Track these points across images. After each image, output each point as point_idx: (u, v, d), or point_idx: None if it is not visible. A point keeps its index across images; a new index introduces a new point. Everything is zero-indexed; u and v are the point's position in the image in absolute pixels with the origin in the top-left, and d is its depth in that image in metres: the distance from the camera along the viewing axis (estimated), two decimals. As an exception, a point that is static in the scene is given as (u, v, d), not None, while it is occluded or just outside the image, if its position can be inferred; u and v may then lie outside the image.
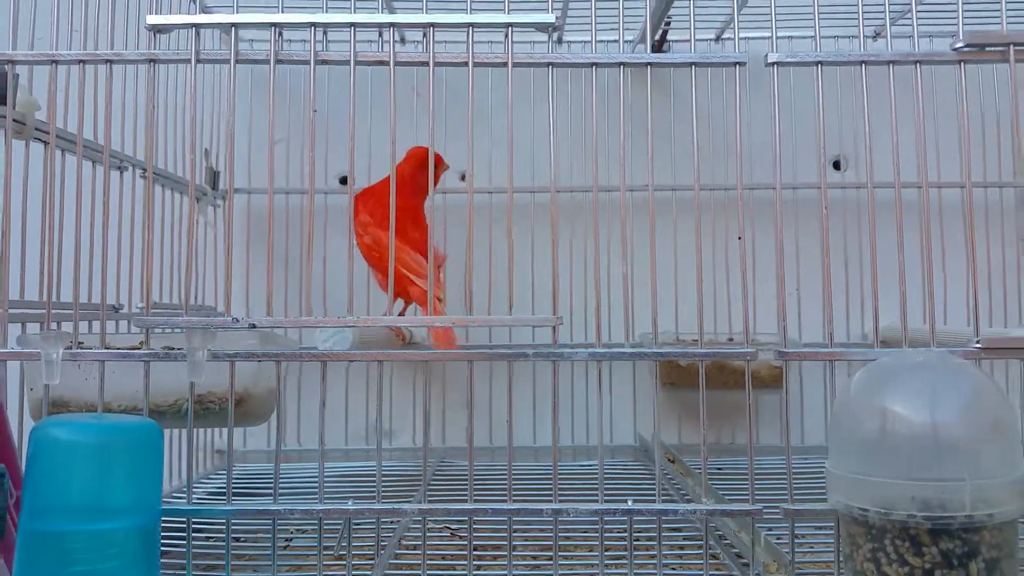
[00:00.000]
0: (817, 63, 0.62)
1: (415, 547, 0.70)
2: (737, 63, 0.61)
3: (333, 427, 1.06)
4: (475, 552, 0.62)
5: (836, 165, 1.14)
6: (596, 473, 0.91)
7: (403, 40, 1.09)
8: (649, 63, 0.61)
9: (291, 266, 1.06)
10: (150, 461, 0.51)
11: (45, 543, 0.48)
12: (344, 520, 0.59)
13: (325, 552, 0.60)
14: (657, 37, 1.09)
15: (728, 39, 1.12)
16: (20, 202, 0.66)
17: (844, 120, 1.06)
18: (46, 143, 0.69)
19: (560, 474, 0.93)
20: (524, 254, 1.04)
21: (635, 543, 0.71)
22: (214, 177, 1.08)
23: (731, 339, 1.06)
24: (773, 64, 0.61)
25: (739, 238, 0.59)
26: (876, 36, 1.11)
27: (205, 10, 1.04)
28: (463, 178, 1.12)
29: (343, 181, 1.12)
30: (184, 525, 0.58)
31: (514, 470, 0.95)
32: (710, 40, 1.14)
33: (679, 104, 1.04)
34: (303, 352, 0.58)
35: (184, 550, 0.58)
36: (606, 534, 0.62)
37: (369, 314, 1.03)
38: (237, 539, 0.72)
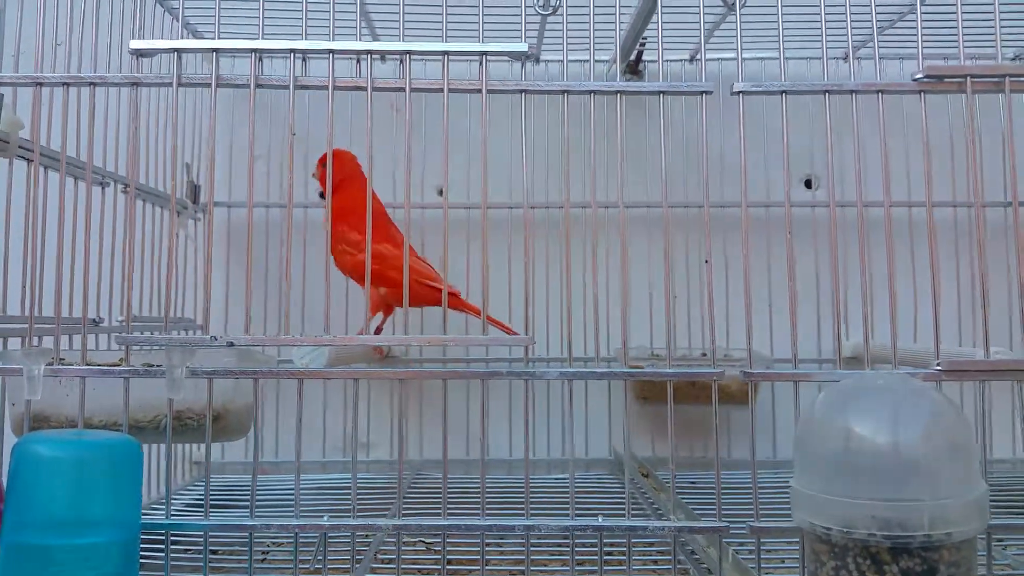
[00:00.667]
0: (782, 92, 0.64)
1: (390, 561, 0.71)
2: (703, 92, 0.63)
3: (311, 439, 1.07)
4: (449, 567, 0.63)
5: (808, 184, 1.17)
6: (567, 487, 0.93)
7: (383, 58, 1.11)
8: (620, 91, 0.63)
9: (271, 279, 1.07)
10: (130, 476, 0.52)
11: (28, 556, 0.49)
12: (320, 534, 0.60)
13: (301, 566, 0.61)
14: (632, 57, 1.12)
15: (698, 59, 1.14)
16: (2, 218, 0.67)
17: (816, 139, 1.08)
18: (29, 160, 0.71)
19: (534, 488, 0.95)
20: (501, 269, 1.05)
21: (608, 557, 0.73)
22: (195, 191, 1.09)
23: (704, 354, 1.08)
24: (739, 92, 0.63)
25: (706, 262, 0.61)
26: (845, 58, 1.14)
27: (189, 30, 1.05)
28: (440, 193, 1.13)
29: (323, 195, 1.13)
30: (163, 538, 0.59)
31: (489, 484, 0.97)
32: (684, 60, 1.16)
33: (653, 124, 1.07)
34: (280, 369, 0.60)
35: (162, 562, 0.59)
36: (578, 549, 0.64)
37: (347, 330, 1.05)
38: (215, 552, 0.73)
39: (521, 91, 0.63)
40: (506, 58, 0.61)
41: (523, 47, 0.60)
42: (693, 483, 1.03)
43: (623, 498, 0.90)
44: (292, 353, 0.65)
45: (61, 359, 0.60)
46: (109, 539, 0.50)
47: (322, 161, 0.93)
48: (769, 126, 1.05)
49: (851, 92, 0.63)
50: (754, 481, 0.61)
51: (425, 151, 1.10)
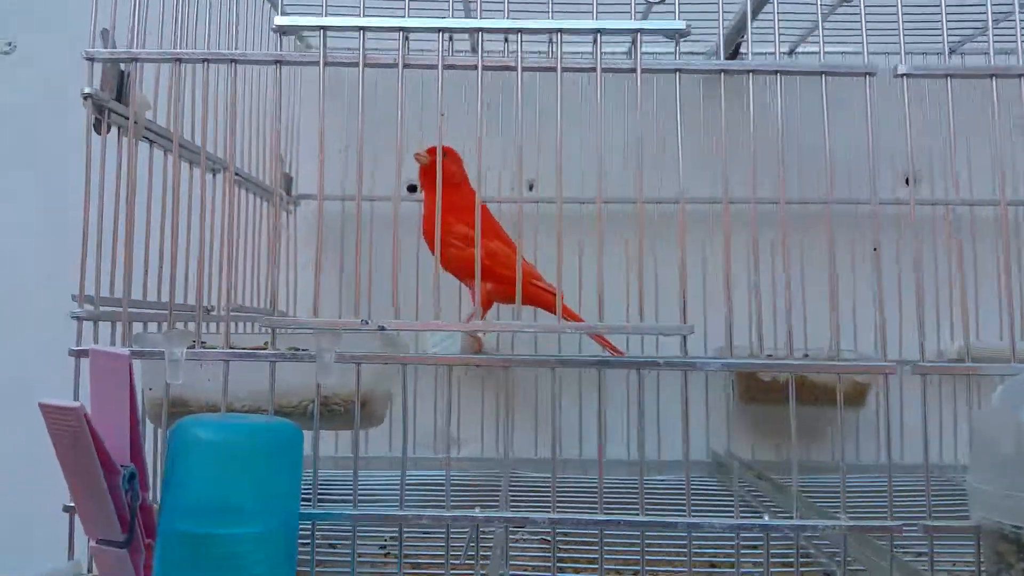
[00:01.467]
0: (947, 75, 0.61)
1: (514, 556, 0.69)
2: (867, 73, 0.61)
3: (398, 434, 1.05)
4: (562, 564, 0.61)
5: (908, 181, 1.13)
6: (671, 488, 0.91)
7: (474, 50, 1.09)
8: (777, 71, 0.61)
9: (362, 272, 1.06)
10: (292, 464, 0.51)
11: (189, 544, 0.47)
12: (471, 527, 0.58)
13: (443, 559, 0.59)
14: (731, 51, 1.09)
15: (803, 53, 1.11)
16: (124, 200, 0.66)
17: (920, 134, 1.06)
18: (152, 143, 0.69)
19: (629, 488, 0.93)
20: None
21: (713, 560, 0.70)
22: (288, 183, 1.08)
23: (806, 355, 1.05)
24: (902, 75, 0.61)
25: (874, 250, 0.58)
26: (951, 53, 1.10)
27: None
28: (531, 188, 1.11)
29: (411, 189, 1.11)
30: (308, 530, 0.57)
31: (586, 483, 0.95)
32: (784, 54, 1.13)
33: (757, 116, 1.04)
34: (424, 355, 0.58)
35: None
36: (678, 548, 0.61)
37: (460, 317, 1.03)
38: (332, 545, 0.71)
39: (677, 70, 0.60)
40: (660, 37, 0.59)
41: (680, 24, 0.58)
42: (803, 487, 0.99)
43: (727, 500, 0.87)
44: (428, 340, 0.63)
45: (202, 343, 0.58)
46: (271, 528, 0.48)
47: (430, 151, 0.92)
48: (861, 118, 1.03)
49: (1019, 76, 0.60)
50: (927, 479, 0.58)
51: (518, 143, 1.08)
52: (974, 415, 0.54)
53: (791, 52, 1.12)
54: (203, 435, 0.48)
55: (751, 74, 0.60)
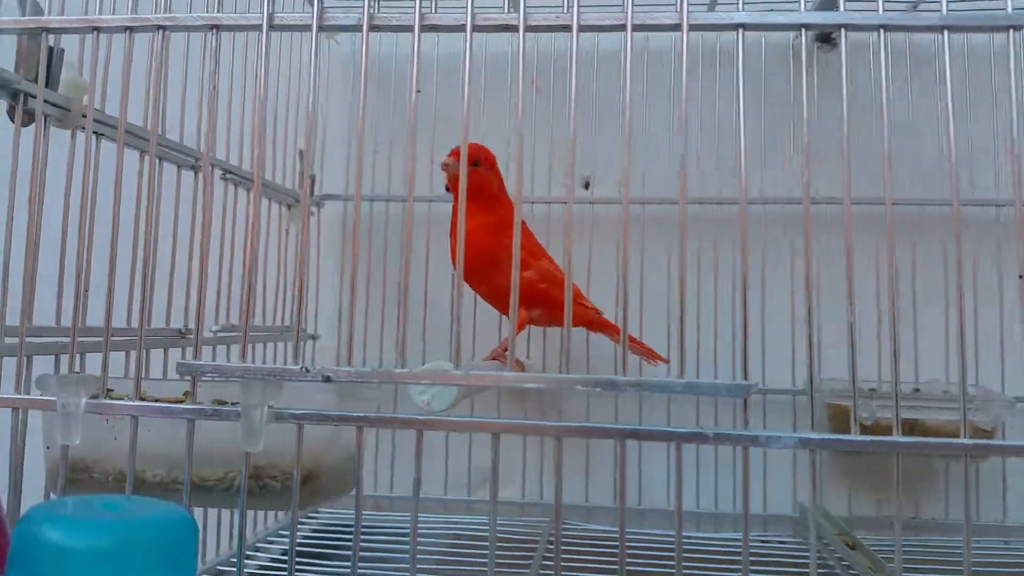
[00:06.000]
0: None
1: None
2: (1011, 26, 0.43)
3: (431, 472, 0.92)
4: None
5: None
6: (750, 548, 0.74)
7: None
8: (881, 25, 0.44)
9: (390, 285, 0.92)
10: (178, 567, 0.37)
11: None
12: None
13: None
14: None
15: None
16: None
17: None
18: (101, 135, 0.57)
19: (700, 547, 0.77)
20: (658, 277, 0.87)
21: None
22: (311, 183, 0.95)
23: (917, 390, 0.86)
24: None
25: (1021, 276, 0.41)
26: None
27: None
28: (587, 186, 0.95)
29: (448, 189, 0.97)
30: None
31: (641, 539, 0.79)
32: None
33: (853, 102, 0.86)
34: (391, 417, 0.43)
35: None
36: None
37: (475, 352, 0.88)
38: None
39: (737, 26, 0.44)
40: None
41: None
42: (908, 552, 0.81)
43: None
44: (410, 390, 0.48)
45: (110, 391, 0.45)
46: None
47: (455, 154, 0.75)
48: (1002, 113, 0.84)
49: None
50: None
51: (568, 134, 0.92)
52: None
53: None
54: (51, 536, 0.35)
55: (843, 30, 0.43)
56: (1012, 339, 0.85)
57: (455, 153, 0.75)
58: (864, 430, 0.82)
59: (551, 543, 0.77)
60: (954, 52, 0.46)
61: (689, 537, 0.81)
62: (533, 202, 0.93)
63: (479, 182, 0.75)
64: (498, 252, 0.73)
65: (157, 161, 0.64)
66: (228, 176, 0.76)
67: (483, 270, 0.74)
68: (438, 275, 0.90)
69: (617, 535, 0.76)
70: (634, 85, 0.92)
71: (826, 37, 0.94)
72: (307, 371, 0.41)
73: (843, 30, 0.44)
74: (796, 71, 0.92)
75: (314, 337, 0.93)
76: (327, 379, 0.41)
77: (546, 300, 0.77)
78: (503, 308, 0.80)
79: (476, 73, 0.91)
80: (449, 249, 0.79)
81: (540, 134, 0.91)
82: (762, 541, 0.83)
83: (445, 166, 0.75)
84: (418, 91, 0.46)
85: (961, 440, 0.40)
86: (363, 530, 0.45)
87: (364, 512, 0.86)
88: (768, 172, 0.90)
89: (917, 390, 0.86)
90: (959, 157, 0.44)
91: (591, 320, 0.81)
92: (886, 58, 0.44)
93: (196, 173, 0.69)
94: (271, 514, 0.75)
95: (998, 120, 0.87)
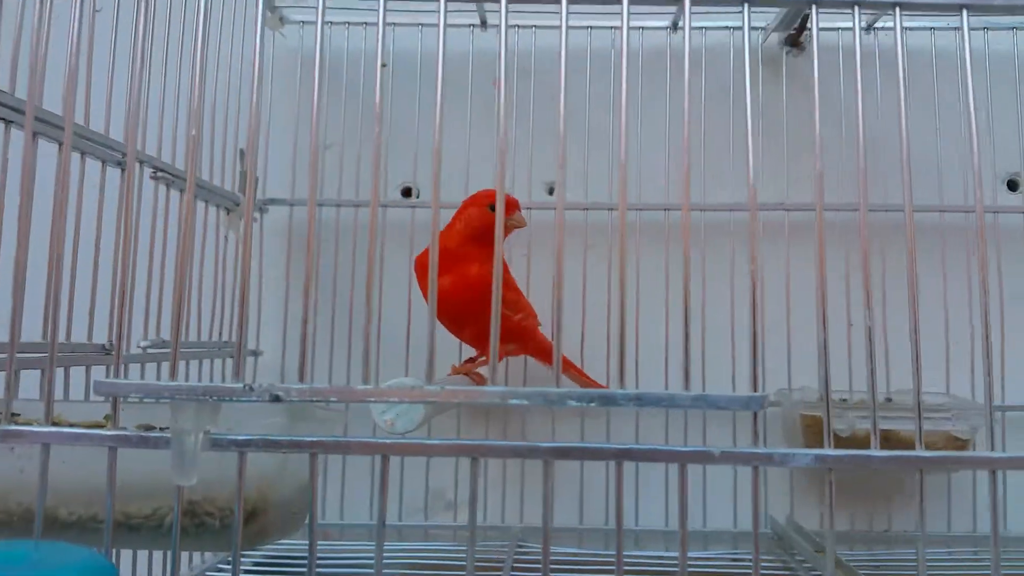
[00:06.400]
0: None
1: None
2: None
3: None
4: None
5: (1012, 185, 0.91)
6: (718, 568, 0.71)
7: (484, 24, 0.89)
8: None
9: (340, 298, 0.86)
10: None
11: None
12: None
13: None
14: (795, 26, 0.88)
15: (880, 28, 0.89)
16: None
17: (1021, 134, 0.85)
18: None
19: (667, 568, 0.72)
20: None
21: None
22: (254, 185, 0.89)
23: (889, 399, 0.83)
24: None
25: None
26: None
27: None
28: (551, 192, 0.91)
29: (406, 193, 0.92)
30: None
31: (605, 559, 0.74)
32: (862, 29, 0.92)
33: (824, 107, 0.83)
34: (349, 441, 0.37)
35: None
36: None
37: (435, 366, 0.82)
38: None
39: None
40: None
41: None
42: (877, 566, 0.78)
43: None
44: (371, 409, 0.43)
45: (15, 415, 0.38)
46: None
47: (485, 198, 0.76)
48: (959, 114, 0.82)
49: None
50: None
51: (532, 142, 0.88)
52: None
53: (869, 28, 0.90)
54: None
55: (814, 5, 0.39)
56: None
57: (487, 197, 0.75)
58: (840, 442, 0.79)
59: (516, 568, 0.72)
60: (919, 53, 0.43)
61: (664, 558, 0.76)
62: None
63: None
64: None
65: (79, 156, 0.59)
66: (160, 175, 0.69)
67: (478, 314, 0.69)
68: (393, 289, 0.84)
69: (585, 555, 0.72)
70: (599, 87, 0.88)
71: (794, 41, 0.91)
72: (251, 389, 0.35)
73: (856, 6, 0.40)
74: (766, 75, 0.89)
75: (256, 353, 0.86)
76: (276, 398, 0.35)
77: (532, 341, 0.79)
78: (484, 346, 0.78)
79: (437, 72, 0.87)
80: (422, 282, 0.76)
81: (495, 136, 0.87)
82: (732, 559, 0.79)
83: (512, 220, 0.74)
84: (383, 65, 0.40)
85: (988, 453, 0.36)
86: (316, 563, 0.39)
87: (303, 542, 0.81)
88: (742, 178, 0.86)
89: (889, 400, 0.83)
90: (928, 162, 0.41)
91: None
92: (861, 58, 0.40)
93: (123, 171, 0.63)
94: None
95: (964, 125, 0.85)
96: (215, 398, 0.35)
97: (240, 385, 0.35)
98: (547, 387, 0.36)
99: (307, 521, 0.39)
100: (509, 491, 0.86)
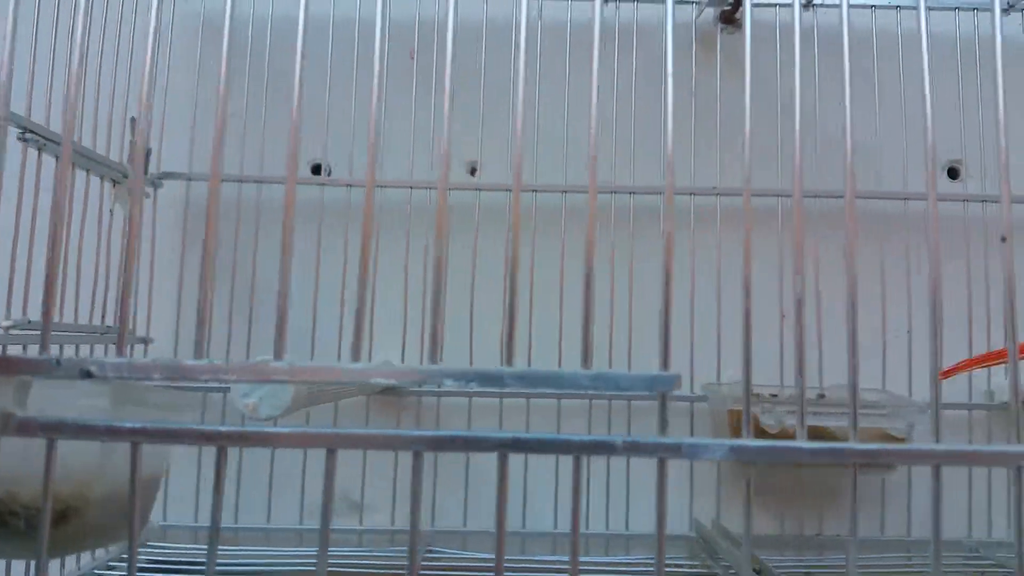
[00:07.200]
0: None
1: None
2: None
3: (284, 499, 0.79)
4: None
5: (953, 173, 0.88)
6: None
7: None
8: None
9: (240, 279, 0.79)
10: None
11: None
12: None
13: None
14: (730, 2, 0.84)
15: (819, 4, 0.85)
16: None
17: (967, 119, 0.82)
18: None
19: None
20: (550, 271, 0.78)
21: None
22: (145, 156, 0.81)
23: (822, 395, 0.79)
24: None
25: (1003, 239, 0.33)
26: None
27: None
28: (473, 172, 0.85)
29: (316, 170, 0.85)
30: None
31: (529, 565, 0.69)
32: (801, 4, 0.88)
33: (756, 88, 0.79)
34: (184, 428, 0.31)
35: None
36: None
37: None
38: None
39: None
40: None
41: None
42: (806, 571, 0.75)
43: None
44: (232, 392, 0.37)
45: None
46: None
47: None
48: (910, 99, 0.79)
49: None
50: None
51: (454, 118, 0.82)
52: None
53: (808, 3, 0.87)
54: None
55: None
56: (920, 341, 0.80)
57: None
58: (769, 439, 0.75)
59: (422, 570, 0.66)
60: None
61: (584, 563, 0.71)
62: (412, 187, 0.82)
63: None
64: None
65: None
66: (28, 136, 0.62)
67: None
68: (299, 271, 0.78)
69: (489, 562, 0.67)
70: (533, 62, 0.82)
71: (729, 17, 0.87)
72: (58, 363, 0.29)
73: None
74: (699, 54, 0.85)
75: (146, 341, 0.79)
76: (87, 374, 0.29)
77: None
78: None
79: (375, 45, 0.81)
80: None
81: (419, 112, 0.81)
82: (654, 564, 0.74)
83: None
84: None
85: (930, 446, 0.32)
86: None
87: (199, 547, 0.74)
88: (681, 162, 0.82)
89: (822, 396, 0.79)
90: (865, 148, 0.36)
91: None
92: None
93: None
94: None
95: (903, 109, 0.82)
96: (10, 374, 0.29)
97: (45, 357, 0.29)
98: (424, 365, 0.31)
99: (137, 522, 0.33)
100: (424, 492, 0.80)
